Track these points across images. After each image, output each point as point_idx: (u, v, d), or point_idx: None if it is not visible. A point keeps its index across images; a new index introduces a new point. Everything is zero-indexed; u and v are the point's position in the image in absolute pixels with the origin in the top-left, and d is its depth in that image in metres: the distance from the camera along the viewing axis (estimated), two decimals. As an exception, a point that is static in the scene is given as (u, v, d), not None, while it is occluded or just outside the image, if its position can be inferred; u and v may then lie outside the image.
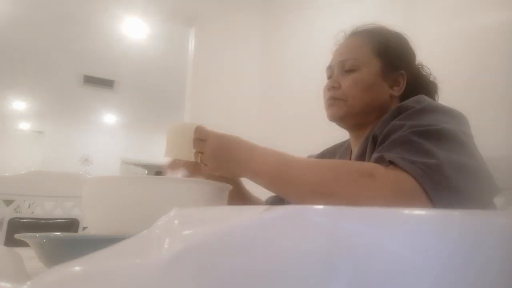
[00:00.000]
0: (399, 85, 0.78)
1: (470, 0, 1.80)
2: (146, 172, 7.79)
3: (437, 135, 0.55)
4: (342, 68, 0.78)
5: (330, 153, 0.92)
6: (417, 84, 0.80)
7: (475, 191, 0.52)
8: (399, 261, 0.13)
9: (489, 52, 1.62)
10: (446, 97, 0.82)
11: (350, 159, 0.83)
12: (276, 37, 2.67)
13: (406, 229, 0.13)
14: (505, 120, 1.42)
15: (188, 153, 0.68)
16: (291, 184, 0.59)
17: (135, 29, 3.64)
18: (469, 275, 0.12)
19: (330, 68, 0.83)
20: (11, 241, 1.28)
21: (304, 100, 2.35)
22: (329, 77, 0.83)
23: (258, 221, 0.15)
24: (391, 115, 0.65)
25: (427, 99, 0.66)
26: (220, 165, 0.65)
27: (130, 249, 0.17)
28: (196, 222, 0.16)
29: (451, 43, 1.75)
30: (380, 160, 0.56)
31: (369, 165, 0.55)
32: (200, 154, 0.68)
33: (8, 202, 1.38)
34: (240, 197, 0.87)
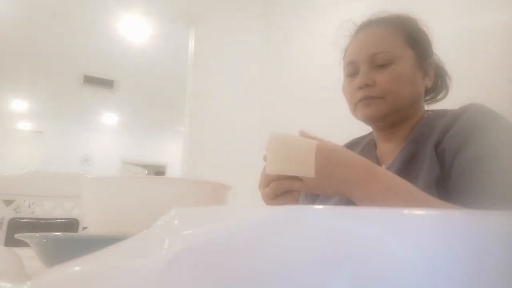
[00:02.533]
0: (429, 75, 0.73)
1: (471, 0, 1.80)
2: (146, 172, 7.79)
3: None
4: (372, 63, 0.70)
5: (348, 148, 0.84)
6: (436, 71, 0.75)
7: None
8: (399, 261, 0.13)
9: (489, 52, 1.62)
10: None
11: (376, 155, 0.78)
12: (276, 36, 2.67)
13: (406, 229, 0.13)
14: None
15: (307, 170, 0.55)
16: None
17: (135, 29, 3.64)
18: (467, 274, 0.12)
19: (353, 63, 0.73)
20: (11, 241, 1.28)
21: (305, 99, 2.35)
22: (351, 74, 0.74)
23: (258, 222, 0.15)
24: (463, 129, 0.60)
25: (490, 110, 0.62)
26: (325, 182, 0.54)
27: (130, 249, 0.17)
28: (196, 222, 0.16)
29: (451, 42, 1.75)
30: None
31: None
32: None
33: (8, 202, 1.38)
34: None
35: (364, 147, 0.82)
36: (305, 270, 0.13)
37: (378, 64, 0.69)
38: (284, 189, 0.56)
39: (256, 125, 2.52)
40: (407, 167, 0.66)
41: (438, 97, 0.79)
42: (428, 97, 0.79)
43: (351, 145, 0.86)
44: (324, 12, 2.44)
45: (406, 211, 0.14)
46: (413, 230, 0.13)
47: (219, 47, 2.64)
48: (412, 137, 0.69)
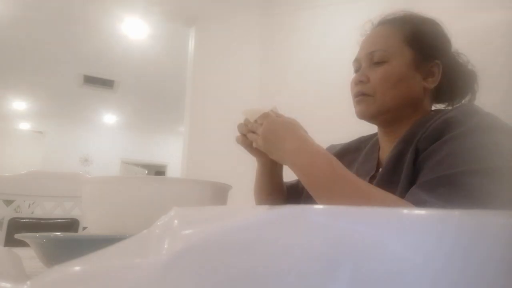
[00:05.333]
0: (433, 76, 0.71)
1: (471, 0, 1.80)
2: (146, 172, 7.79)
3: (488, 177, 0.50)
4: (371, 61, 0.72)
5: (354, 148, 0.86)
6: (454, 74, 0.73)
7: None
8: (399, 261, 0.13)
9: (489, 52, 1.62)
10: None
11: (378, 156, 0.78)
12: (276, 36, 2.67)
13: (406, 229, 0.13)
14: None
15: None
16: (327, 195, 0.59)
17: (135, 29, 3.64)
18: (468, 275, 0.12)
19: (357, 61, 0.76)
20: (11, 241, 1.28)
21: (304, 99, 2.35)
22: (356, 71, 0.76)
23: (258, 221, 0.15)
24: (438, 129, 0.59)
25: (479, 111, 0.61)
26: (268, 146, 0.68)
27: (130, 249, 0.17)
28: (196, 222, 0.16)
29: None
30: (418, 201, 0.52)
31: (402, 204, 0.52)
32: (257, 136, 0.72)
33: (8, 202, 1.38)
34: (271, 177, 0.85)
35: (369, 149, 0.82)
36: (305, 269, 0.13)
37: (375, 62, 0.71)
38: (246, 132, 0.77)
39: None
40: (393, 168, 0.65)
41: (464, 101, 0.76)
42: (456, 102, 0.77)
43: (360, 143, 0.86)
44: (324, 13, 2.44)
45: (406, 211, 0.14)
46: (413, 230, 0.13)
47: (219, 47, 2.64)
48: (403, 137, 0.68)
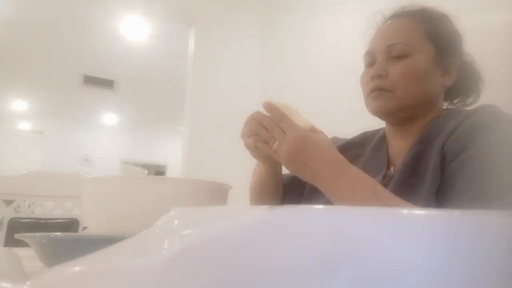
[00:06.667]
0: (450, 74, 0.69)
1: (472, 0, 1.80)
2: (146, 172, 7.78)
3: None
4: (389, 54, 0.68)
5: (358, 143, 0.83)
6: (465, 72, 0.72)
7: None
8: (399, 261, 0.13)
9: (489, 52, 1.62)
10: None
11: (387, 153, 0.74)
12: (275, 36, 2.67)
13: (406, 229, 0.13)
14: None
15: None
16: None
17: (135, 29, 3.64)
18: (468, 275, 0.12)
19: (371, 54, 0.72)
20: (11, 241, 1.28)
21: (304, 99, 2.35)
22: (369, 64, 0.72)
23: (258, 221, 0.15)
24: (466, 133, 0.57)
25: (501, 111, 0.60)
26: (294, 165, 0.59)
27: (130, 249, 0.17)
28: (196, 222, 0.16)
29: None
30: None
31: None
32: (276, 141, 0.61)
33: (8, 202, 1.38)
34: (277, 179, 0.80)
35: (375, 145, 0.79)
36: (305, 270, 0.13)
37: (394, 55, 0.68)
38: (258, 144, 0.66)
39: (256, 125, 2.51)
40: (412, 170, 0.64)
41: (468, 101, 0.76)
42: (456, 100, 0.76)
43: (364, 138, 0.83)
44: (323, 13, 2.44)
45: (406, 211, 0.14)
46: (413, 230, 0.13)
47: (219, 47, 2.64)
48: (421, 137, 0.66)
